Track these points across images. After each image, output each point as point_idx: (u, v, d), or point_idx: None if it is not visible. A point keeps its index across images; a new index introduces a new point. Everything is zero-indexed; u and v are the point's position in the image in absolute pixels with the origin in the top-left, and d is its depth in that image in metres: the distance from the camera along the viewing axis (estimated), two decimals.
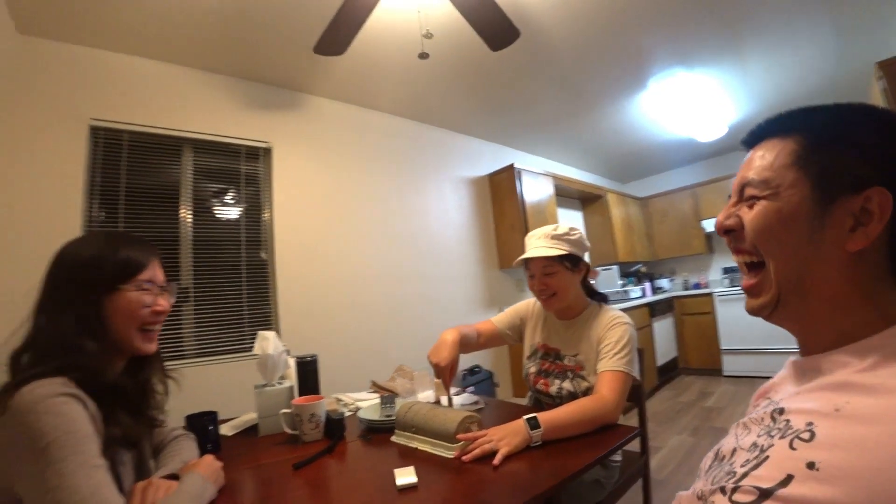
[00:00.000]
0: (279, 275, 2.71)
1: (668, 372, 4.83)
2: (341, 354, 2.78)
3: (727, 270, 5.21)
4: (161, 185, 2.44)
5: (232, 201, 2.70)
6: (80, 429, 0.72)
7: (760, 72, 3.34)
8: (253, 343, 1.47)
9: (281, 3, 2.12)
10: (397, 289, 3.25)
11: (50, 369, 0.76)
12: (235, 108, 2.71)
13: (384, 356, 2.91)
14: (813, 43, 2.97)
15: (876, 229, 0.47)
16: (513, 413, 1.19)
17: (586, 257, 1.49)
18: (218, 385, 2.27)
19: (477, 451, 1.01)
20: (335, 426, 1.26)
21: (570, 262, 1.42)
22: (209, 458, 0.98)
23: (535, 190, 4.07)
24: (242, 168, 2.73)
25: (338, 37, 1.98)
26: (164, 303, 0.97)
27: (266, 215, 2.77)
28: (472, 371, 3.30)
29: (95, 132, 2.24)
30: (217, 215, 2.63)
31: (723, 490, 0.44)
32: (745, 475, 0.43)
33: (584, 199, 5.30)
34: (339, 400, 1.71)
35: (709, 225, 5.16)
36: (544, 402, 1.51)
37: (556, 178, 4.39)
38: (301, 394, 1.44)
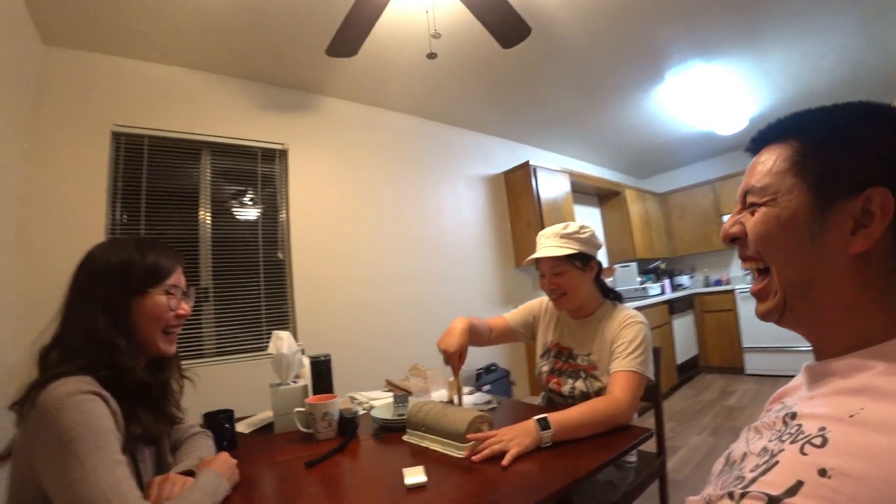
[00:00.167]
0: (296, 275, 2.74)
1: (689, 370, 4.75)
2: (356, 353, 2.81)
3: None
4: (180, 188, 2.50)
5: (249, 202, 2.74)
6: (102, 425, 0.75)
7: (781, 63, 3.25)
8: (269, 342, 1.50)
9: (294, 8, 2.15)
10: (412, 288, 3.26)
11: (76, 368, 0.79)
12: (251, 111, 2.76)
13: (399, 355, 2.93)
14: (837, 32, 2.88)
15: (877, 230, 0.46)
16: (525, 413, 1.19)
17: (600, 255, 1.47)
18: (235, 383, 2.32)
19: (486, 452, 1.01)
20: (348, 425, 1.28)
21: (580, 260, 1.41)
22: (224, 455, 1.01)
23: (551, 187, 4.04)
24: (259, 170, 2.77)
25: (349, 38, 1.99)
26: (187, 307, 1.01)
27: (282, 216, 2.81)
28: (489, 369, 3.30)
29: (117, 137, 2.30)
30: (235, 216, 2.68)
31: (731, 495, 0.43)
32: (753, 480, 0.42)
33: (602, 195, 5.24)
34: (353, 399, 1.73)
35: None
36: (557, 401, 1.50)
37: (572, 174, 4.35)
38: (315, 392, 1.45)
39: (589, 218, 5.07)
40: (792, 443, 0.42)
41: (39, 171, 2.07)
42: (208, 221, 2.54)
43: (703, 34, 2.79)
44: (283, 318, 2.70)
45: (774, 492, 0.39)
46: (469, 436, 1.06)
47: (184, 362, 1.10)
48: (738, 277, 5.28)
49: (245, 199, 2.74)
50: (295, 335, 2.59)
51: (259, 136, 2.76)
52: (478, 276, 3.74)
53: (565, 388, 1.43)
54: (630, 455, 1.43)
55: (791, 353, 4.24)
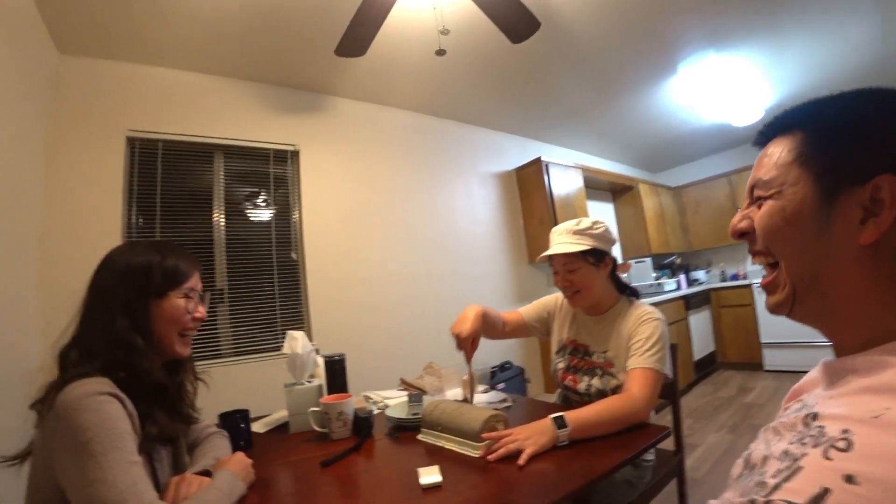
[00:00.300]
0: (309, 275, 2.76)
1: (706, 366, 4.68)
2: (370, 352, 2.82)
3: None
4: (194, 191, 2.53)
5: (262, 204, 2.76)
6: (118, 426, 0.76)
7: (799, 51, 3.17)
8: (284, 342, 1.51)
9: (303, 10, 2.16)
10: (426, 286, 3.26)
11: (93, 369, 0.81)
12: (263, 113, 2.78)
13: (413, 354, 2.93)
14: (856, 19, 2.80)
15: (887, 219, 0.44)
16: (541, 411, 1.18)
17: (615, 250, 1.45)
18: (251, 383, 2.34)
19: (502, 451, 1.00)
20: (363, 424, 1.28)
21: (594, 257, 1.39)
22: (240, 455, 1.01)
23: (563, 183, 4.01)
24: (271, 171, 2.79)
25: (358, 38, 1.99)
26: (203, 311, 1.03)
27: (295, 216, 2.83)
28: (503, 367, 3.28)
29: (132, 142, 2.34)
30: (248, 218, 2.70)
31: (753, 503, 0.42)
32: (776, 487, 0.40)
33: (615, 190, 5.19)
34: (367, 398, 1.73)
35: None
36: (573, 399, 1.48)
37: (585, 169, 4.31)
38: (330, 392, 1.46)
39: (602, 213, 5.02)
40: (815, 446, 0.40)
41: (58, 176, 2.11)
42: (222, 223, 2.57)
43: (715, 24, 2.74)
44: (297, 317, 2.72)
45: (799, 500, 0.37)
46: (484, 435, 1.05)
47: (200, 363, 1.12)
48: (756, 272, 5.18)
49: (258, 200, 2.76)
50: (309, 335, 2.61)
51: (271, 138, 2.78)
52: (491, 274, 3.73)
53: (581, 386, 1.41)
54: (647, 453, 1.41)
55: (811, 348, 4.15)
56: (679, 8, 2.53)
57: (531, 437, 1.03)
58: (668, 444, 1.35)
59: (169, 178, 2.42)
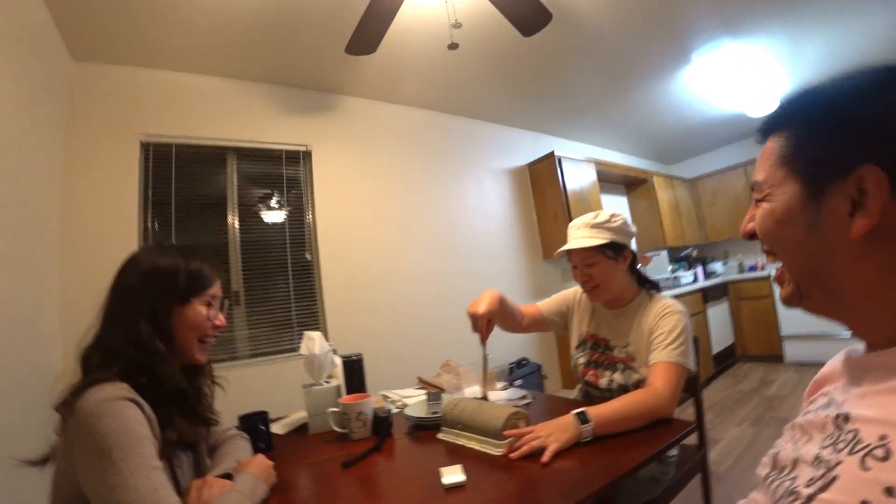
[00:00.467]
0: (324, 275, 2.77)
1: (725, 360, 4.61)
2: (387, 351, 2.82)
3: None
4: (208, 194, 2.55)
5: (276, 205, 2.78)
6: (138, 431, 0.76)
7: (817, 37, 3.08)
8: (301, 342, 1.51)
9: (312, 9, 2.15)
10: (441, 284, 3.25)
11: (112, 374, 0.81)
12: (274, 114, 2.78)
13: (430, 352, 2.92)
14: (878, 3, 2.72)
15: (874, 209, 0.42)
16: (561, 407, 1.16)
17: (633, 244, 1.43)
18: (269, 385, 2.36)
19: (525, 449, 0.98)
20: (382, 424, 1.27)
21: (613, 250, 1.36)
22: (260, 457, 1.01)
23: (576, 177, 3.97)
24: (284, 172, 2.80)
25: (368, 35, 1.98)
26: (223, 318, 1.03)
27: (309, 217, 2.84)
28: (520, 364, 3.26)
29: (146, 147, 2.36)
30: (262, 220, 2.71)
31: None
32: (811, 498, 0.38)
33: (629, 183, 5.13)
34: (386, 397, 1.73)
35: None
36: (594, 394, 1.46)
37: (598, 163, 4.27)
38: (348, 392, 1.45)
39: (616, 207, 4.96)
40: (850, 454, 0.38)
41: (75, 182, 2.13)
42: (236, 226, 2.58)
43: (730, 10, 2.67)
44: (313, 318, 2.73)
45: None
46: (506, 432, 1.04)
47: (217, 365, 1.12)
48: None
49: (271, 202, 2.77)
50: (325, 335, 2.61)
51: (282, 139, 2.78)
52: (506, 271, 3.71)
53: (603, 381, 1.39)
54: (671, 449, 1.39)
55: (833, 340, 4.04)
56: None
57: (554, 433, 1.01)
58: (690, 438, 1.32)
59: (183, 182, 2.44)
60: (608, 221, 1.38)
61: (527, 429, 1.05)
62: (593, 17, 2.54)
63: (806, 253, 0.49)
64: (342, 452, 1.17)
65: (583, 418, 1.04)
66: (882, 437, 0.36)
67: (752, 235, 0.56)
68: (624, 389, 1.33)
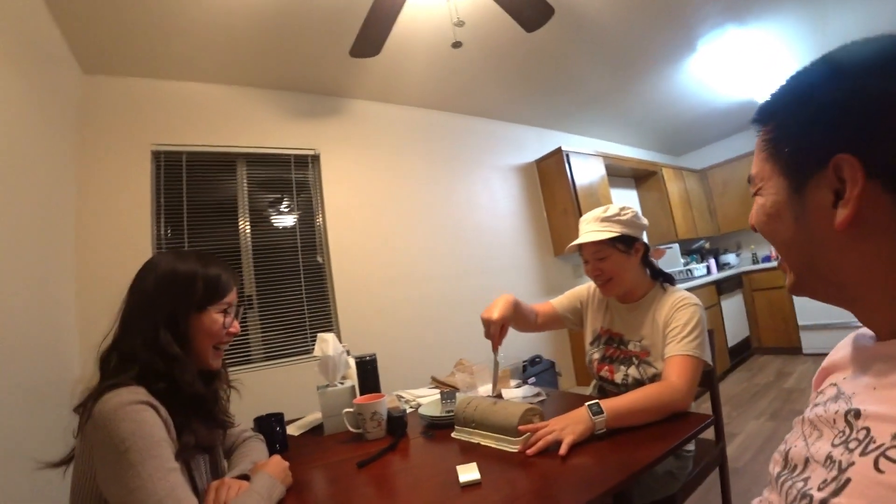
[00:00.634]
0: (336, 277, 2.78)
1: (741, 352, 4.55)
2: (400, 351, 2.82)
3: None
4: (219, 200, 2.57)
5: (286, 210, 2.79)
6: (154, 433, 0.77)
7: (839, 13, 2.98)
8: (314, 344, 1.52)
9: (315, 14, 2.16)
10: (452, 283, 3.25)
11: (128, 378, 0.82)
12: (282, 120, 2.80)
13: (443, 351, 2.92)
14: None
15: (852, 195, 0.40)
16: (576, 403, 1.15)
17: (644, 236, 1.41)
18: (284, 387, 2.37)
19: (541, 443, 0.98)
20: (397, 423, 1.27)
21: (624, 243, 1.35)
22: (277, 458, 1.02)
23: (585, 172, 3.95)
24: (293, 177, 2.82)
25: (371, 38, 1.99)
26: (237, 325, 1.04)
27: (319, 220, 2.85)
28: (533, 361, 3.26)
29: (157, 156, 2.39)
30: (273, 224, 2.74)
31: None
32: (823, 503, 0.37)
33: (638, 176, 5.09)
34: (400, 397, 1.73)
35: None
36: (609, 390, 1.45)
37: (606, 157, 4.25)
38: (362, 393, 1.46)
39: (626, 201, 4.90)
40: (862, 454, 0.37)
41: (89, 192, 2.17)
42: (248, 231, 2.60)
43: None
44: (325, 320, 2.74)
45: None
46: (521, 428, 1.03)
47: (232, 369, 1.13)
48: None
49: (282, 206, 2.79)
50: (338, 337, 2.62)
51: (291, 144, 2.80)
52: (517, 268, 3.70)
53: (618, 376, 1.38)
54: (688, 444, 1.37)
55: (852, 329, 3.95)
56: None
57: (568, 426, 1.01)
58: (707, 433, 1.31)
59: (194, 189, 2.47)
60: (618, 214, 1.37)
61: (541, 424, 1.05)
62: (595, 10, 2.52)
63: (798, 246, 0.48)
64: (357, 453, 1.17)
65: (596, 409, 1.03)
66: (895, 437, 0.35)
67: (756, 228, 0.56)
68: (639, 384, 1.32)
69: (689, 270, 4.55)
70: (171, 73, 2.44)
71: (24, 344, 1.51)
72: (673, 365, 1.19)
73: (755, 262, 5.23)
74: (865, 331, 0.50)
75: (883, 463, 0.34)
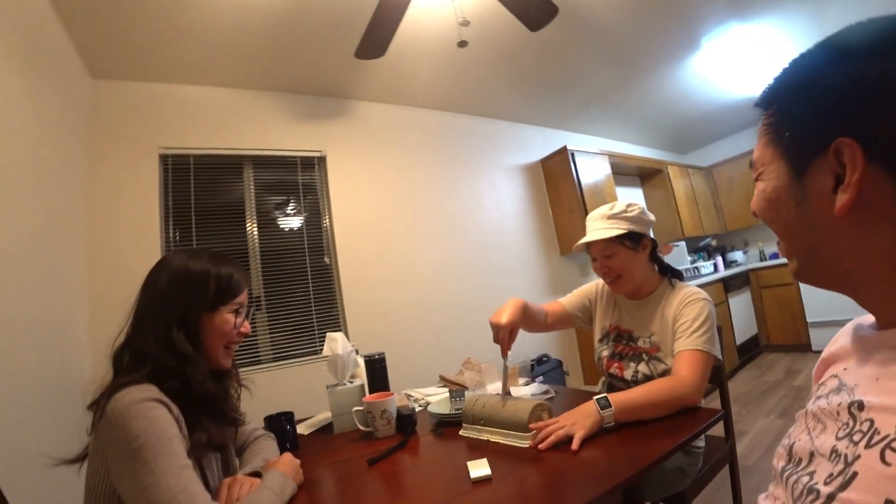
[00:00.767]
0: (343, 277, 2.79)
1: (749, 350, 4.52)
2: (408, 350, 2.83)
3: None
4: (227, 202, 2.59)
5: (293, 212, 2.81)
6: (167, 431, 0.78)
7: (833, 13, 2.98)
8: (323, 345, 1.52)
9: (320, 16, 2.18)
10: (459, 282, 3.26)
11: (140, 376, 0.83)
12: (288, 122, 2.82)
13: (451, 350, 2.93)
14: None
15: (851, 182, 0.40)
16: (584, 399, 1.15)
17: (651, 233, 1.41)
18: (293, 387, 2.39)
19: (552, 438, 0.99)
20: (406, 421, 1.28)
21: (631, 240, 1.35)
22: (288, 456, 1.03)
23: (590, 170, 3.95)
24: (300, 179, 2.84)
25: (376, 39, 2.00)
26: (248, 326, 1.04)
27: (326, 222, 2.87)
28: (540, 360, 3.25)
29: (164, 159, 2.41)
30: (280, 226, 2.75)
31: None
32: (831, 497, 0.37)
33: (644, 174, 5.07)
34: (409, 396, 1.74)
35: None
36: (619, 387, 1.44)
37: (611, 155, 4.24)
38: (371, 391, 1.47)
39: (632, 199, 4.85)
40: (868, 447, 0.36)
41: (98, 196, 2.20)
42: (255, 233, 2.62)
43: None
44: (333, 321, 2.76)
45: None
46: (531, 425, 1.04)
47: (242, 370, 1.13)
48: None
49: (288, 208, 2.81)
50: (346, 337, 2.64)
51: (297, 146, 2.82)
52: (523, 267, 3.70)
53: (628, 373, 1.38)
54: (698, 440, 1.37)
55: None
56: None
57: (578, 420, 1.01)
58: (717, 430, 1.31)
59: (202, 192, 2.49)
60: (625, 211, 1.37)
61: (551, 420, 1.05)
62: (599, 9, 2.53)
63: (799, 232, 0.48)
64: (367, 451, 1.18)
65: (603, 402, 1.04)
66: None
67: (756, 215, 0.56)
68: (649, 380, 1.31)
69: (697, 268, 4.53)
70: (178, 77, 2.47)
71: (38, 344, 1.54)
72: (682, 360, 1.19)
73: (763, 259, 5.20)
74: (864, 319, 0.50)
75: (889, 455, 0.34)
